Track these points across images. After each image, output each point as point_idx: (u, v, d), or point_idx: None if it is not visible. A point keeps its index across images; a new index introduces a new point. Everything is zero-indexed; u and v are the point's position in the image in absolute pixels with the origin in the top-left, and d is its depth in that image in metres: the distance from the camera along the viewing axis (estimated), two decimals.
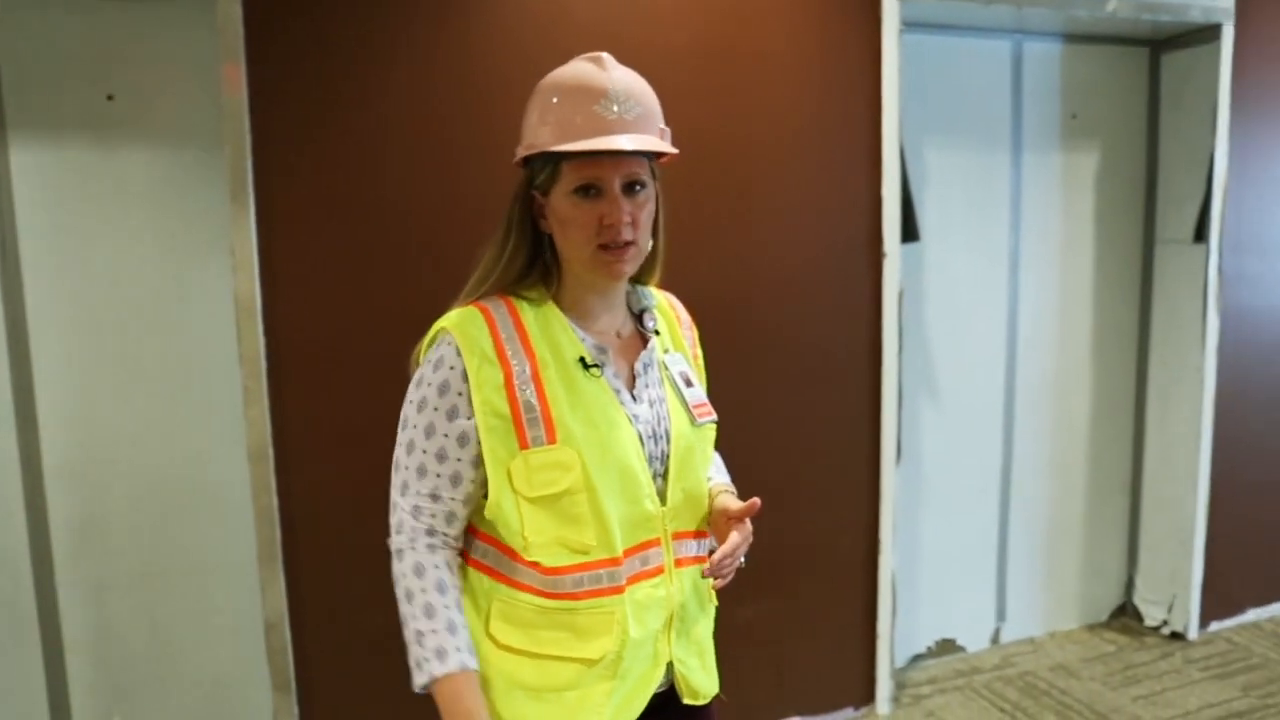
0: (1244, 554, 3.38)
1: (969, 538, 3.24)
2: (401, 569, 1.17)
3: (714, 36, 2.45)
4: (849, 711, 2.83)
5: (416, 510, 1.19)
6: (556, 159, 1.17)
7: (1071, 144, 3.22)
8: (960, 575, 3.23)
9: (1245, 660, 3.15)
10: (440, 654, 1.12)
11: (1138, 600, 3.47)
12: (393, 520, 1.20)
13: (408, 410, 1.20)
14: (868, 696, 2.85)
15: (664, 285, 1.40)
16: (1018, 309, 3.20)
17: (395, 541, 1.19)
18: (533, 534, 1.18)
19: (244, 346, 2.15)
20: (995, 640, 3.31)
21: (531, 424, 1.16)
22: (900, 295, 2.72)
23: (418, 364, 1.23)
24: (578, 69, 1.20)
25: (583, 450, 1.17)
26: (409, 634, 1.14)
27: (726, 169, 2.50)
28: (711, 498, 1.34)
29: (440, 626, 1.13)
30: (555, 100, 1.18)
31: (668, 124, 1.25)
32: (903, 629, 3.06)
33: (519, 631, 1.21)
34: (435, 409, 1.17)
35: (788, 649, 2.74)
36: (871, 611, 2.81)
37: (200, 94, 2.20)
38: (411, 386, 1.21)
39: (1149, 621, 3.40)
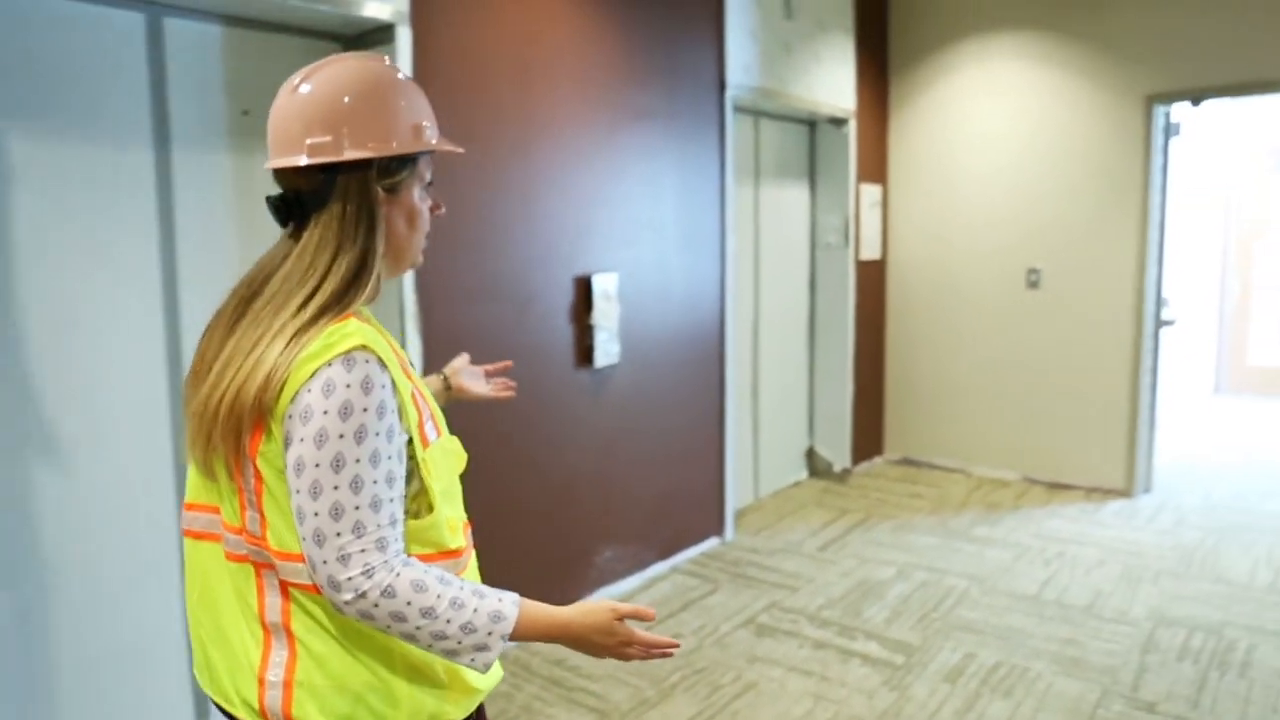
0: None
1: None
2: (400, 600, 1.08)
3: None
4: None
5: (382, 543, 1.09)
6: (414, 156, 1.23)
7: (249, 144, 2.77)
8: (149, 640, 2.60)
9: None
10: (496, 616, 1.11)
11: None
12: (352, 574, 1.07)
13: (339, 447, 1.07)
14: None
15: None
16: (180, 344, 2.65)
17: (368, 586, 1.07)
18: (452, 521, 1.22)
19: None
20: None
21: (428, 422, 1.20)
22: None
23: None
24: (396, 72, 1.25)
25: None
26: (452, 632, 1.09)
27: None
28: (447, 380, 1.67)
29: (474, 601, 1.11)
30: (413, 100, 1.25)
31: None
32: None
33: None
34: (376, 433, 1.10)
35: None
36: None
37: None
38: (327, 419, 1.07)
39: None
